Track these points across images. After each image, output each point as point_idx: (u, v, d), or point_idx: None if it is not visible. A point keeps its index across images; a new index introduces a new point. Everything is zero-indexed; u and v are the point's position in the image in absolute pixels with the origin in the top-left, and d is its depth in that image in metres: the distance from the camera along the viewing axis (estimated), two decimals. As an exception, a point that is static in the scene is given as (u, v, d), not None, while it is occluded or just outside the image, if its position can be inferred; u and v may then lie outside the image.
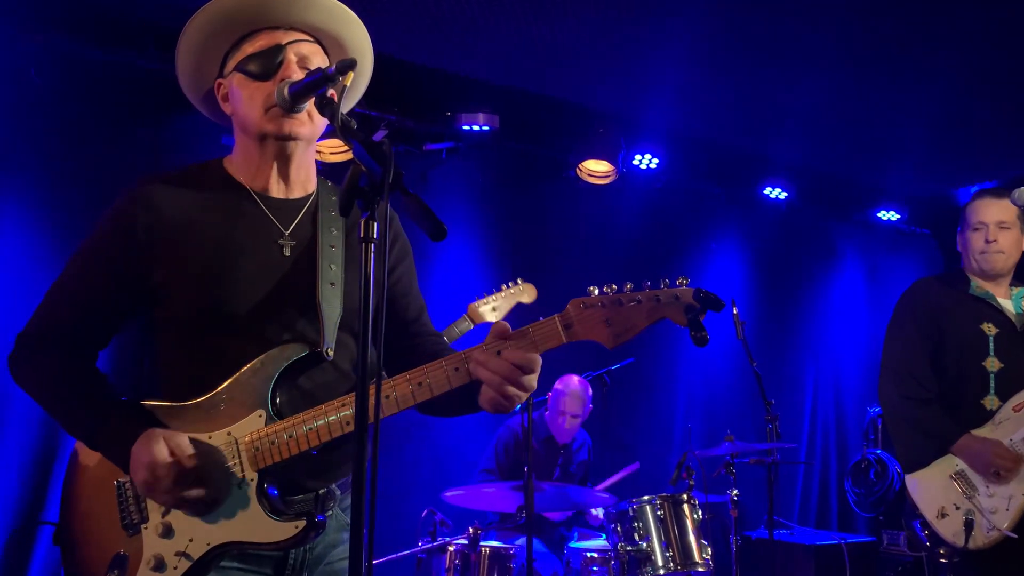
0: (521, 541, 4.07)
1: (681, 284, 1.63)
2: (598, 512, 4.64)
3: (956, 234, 3.38)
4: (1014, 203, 2.99)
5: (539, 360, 1.64)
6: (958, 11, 4.31)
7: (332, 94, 1.61)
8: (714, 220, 6.66)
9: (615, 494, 4.62)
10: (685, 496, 4.02)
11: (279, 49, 1.77)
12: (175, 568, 1.71)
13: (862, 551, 5.47)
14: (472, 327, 3.49)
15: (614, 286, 1.65)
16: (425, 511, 4.14)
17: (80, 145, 4.45)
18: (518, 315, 3.48)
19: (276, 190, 1.85)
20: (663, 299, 1.62)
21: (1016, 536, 2.98)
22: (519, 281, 3.58)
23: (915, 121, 5.54)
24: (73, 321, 1.82)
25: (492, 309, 3.48)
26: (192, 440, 1.71)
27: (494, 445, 4.85)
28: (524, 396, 1.66)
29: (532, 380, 1.65)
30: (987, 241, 3.22)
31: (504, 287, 3.52)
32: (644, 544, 3.87)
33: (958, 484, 3.11)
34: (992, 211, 3.24)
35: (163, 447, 1.66)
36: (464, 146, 5.38)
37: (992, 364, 3.17)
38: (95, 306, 1.82)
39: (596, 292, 1.64)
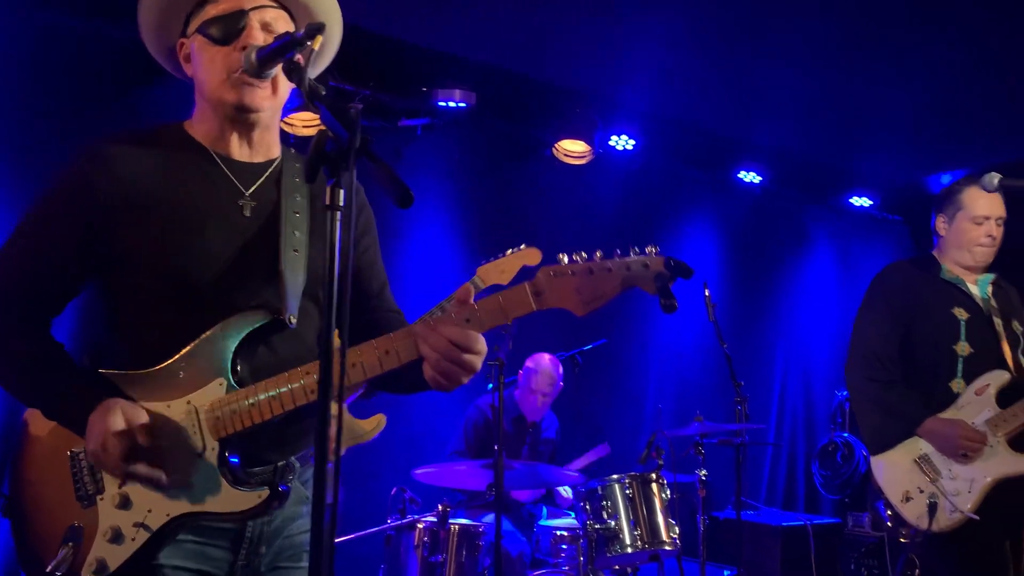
0: (490, 519, 4.08)
1: (651, 252, 1.62)
2: (567, 493, 4.66)
3: (934, 219, 3.39)
4: (985, 189, 3.02)
5: (480, 339, 1.61)
6: (937, 1, 4.32)
7: (300, 59, 1.56)
8: (689, 203, 6.67)
9: (571, 450, 4.64)
10: (654, 475, 4.04)
11: (242, 14, 1.72)
12: (132, 540, 1.67)
13: (827, 532, 5.55)
14: (482, 288, 3.51)
15: (584, 254, 1.64)
16: (395, 489, 4.14)
17: (52, 116, 4.34)
18: (522, 277, 3.50)
19: (238, 153, 1.80)
20: (633, 267, 1.61)
21: (978, 518, 3.03)
22: (523, 246, 3.61)
23: (889, 108, 5.58)
24: (25, 286, 1.75)
25: (500, 271, 3.51)
26: (151, 414, 1.67)
27: (463, 426, 4.85)
28: (463, 376, 1.62)
29: (474, 360, 1.61)
30: (990, 236, 3.25)
31: (509, 251, 3.56)
32: (612, 522, 3.89)
33: (922, 468, 3.15)
34: (996, 206, 3.26)
35: (119, 418, 1.61)
36: (440, 123, 5.32)
37: (963, 348, 3.21)
38: (49, 271, 1.75)
39: (566, 260, 1.63)
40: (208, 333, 1.70)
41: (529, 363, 4.91)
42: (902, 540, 3.21)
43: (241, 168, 1.80)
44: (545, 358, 4.89)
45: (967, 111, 5.60)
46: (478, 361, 1.62)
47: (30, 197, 4.19)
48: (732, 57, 5.04)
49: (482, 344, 1.62)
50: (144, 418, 1.65)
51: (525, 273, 3.55)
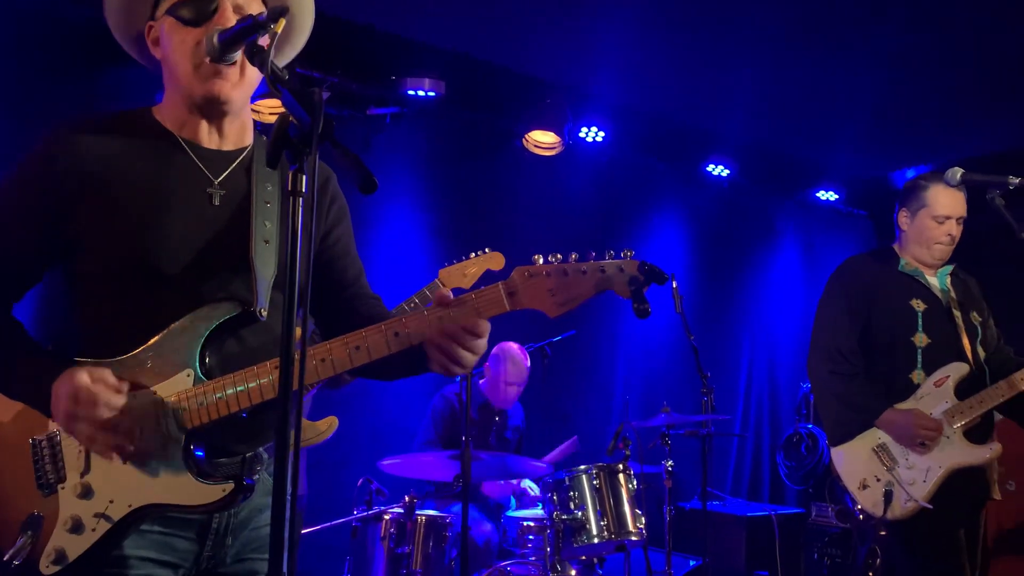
0: (457, 509, 4.08)
1: (626, 256, 1.63)
2: (534, 491, 4.67)
3: (897, 211, 3.43)
4: (948, 184, 3.07)
5: (487, 324, 1.64)
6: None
7: (264, 42, 1.54)
8: (658, 194, 6.71)
9: (540, 442, 4.64)
10: (621, 466, 4.07)
11: None
12: (93, 530, 1.64)
13: (791, 522, 5.62)
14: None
15: (559, 255, 1.64)
16: (361, 480, 4.11)
17: (9, 98, 4.24)
18: (485, 281, 3.50)
19: (208, 141, 1.78)
20: (607, 270, 1.62)
21: (932, 507, 3.08)
22: (487, 250, 3.61)
23: (855, 103, 5.65)
24: None
25: (463, 275, 3.51)
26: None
27: (430, 415, 4.83)
28: (473, 359, 1.65)
29: (480, 344, 1.65)
30: (949, 235, 3.30)
31: (473, 254, 3.56)
32: (579, 513, 3.90)
33: (880, 457, 3.21)
34: (959, 205, 3.30)
35: (85, 375, 1.57)
36: (409, 112, 5.29)
37: (920, 339, 3.26)
38: (10, 255, 1.72)
39: (541, 261, 1.64)
40: (177, 323, 1.67)
41: (497, 351, 4.89)
42: (881, 533, 3.27)
43: (210, 156, 1.77)
44: (513, 347, 4.88)
45: (932, 106, 5.69)
46: (483, 345, 1.67)
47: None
48: (699, 50, 5.07)
49: (486, 328, 1.65)
50: (110, 375, 1.60)
51: (488, 277, 3.55)
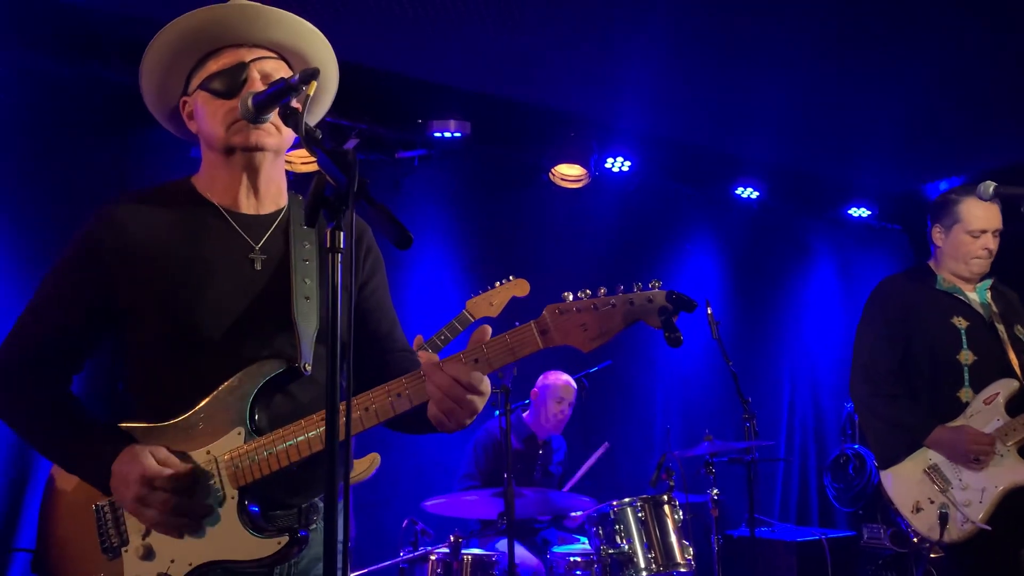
0: (503, 546, 4.06)
1: (654, 287, 1.63)
2: (576, 513, 4.64)
3: (930, 227, 3.39)
4: (980, 198, 3.04)
5: (485, 380, 1.64)
6: (925, 9, 4.36)
7: (296, 104, 1.59)
8: (687, 220, 6.69)
9: (591, 482, 4.60)
10: (665, 497, 4.03)
11: (243, 67, 1.77)
12: None
13: (843, 546, 5.50)
14: (472, 321, 3.54)
15: (588, 291, 1.66)
16: (406, 521, 4.13)
17: (46, 161, 4.38)
18: (512, 308, 3.54)
19: (246, 206, 1.84)
20: (636, 302, 1.63)
21: (990, 528, 3.01)
22: (511, 277, 3.65)
23: (884, 118, 5.61)
24: (45, 347, 1.81)
25: (490, 304, 3.54)
26: (174, 452, 1.70)
27: (472, 449, 4.84)
28: (465, 417, 1.63)
29: (476, 401, 1.63)
30: (986, 249, 3.25)
31: (498, 283, 3.59)
32: (626, 546, 3.87)
33: (932, 478, 3.14)
34: (994, 217, 3.26)
35: (151, 459, 1.65)
36: (436, 153, 5.37)
37: (966, 357, 3.21)
38: (67, 332, 1.80)
39: (571, 297, 1.65)
40: (226, 384, 1.73)
41: (545, 379, 4.94)
42: (933, 556, 3.19)
43: (250, 221, 1.83)
44: (558, 372, 4.95)
45: (961, 117, 5.63)
46: (480, 402, 1.64)
47: (25, 241, 4.23)
48: (723, 74, 5.08)
49: (486, 385, 1.64)
50: (174, 458, 1.68)
51: (515, 303, 3.58)
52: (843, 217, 7.06)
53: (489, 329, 1.67)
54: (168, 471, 1.65)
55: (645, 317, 1.62)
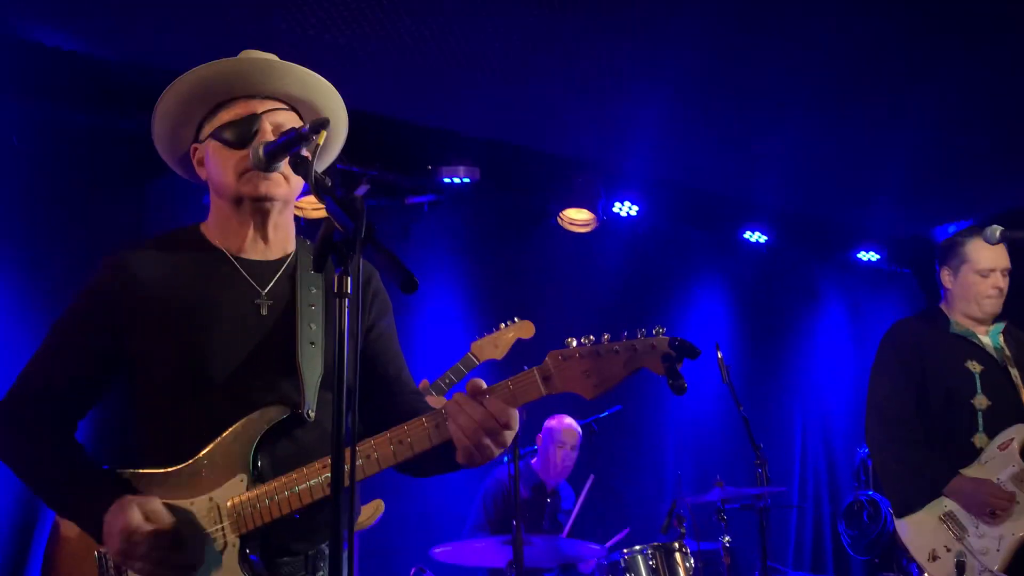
0: (512, 596, 3.99)
1: (657, 333, 1.63)
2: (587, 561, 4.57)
3: (939, 270, 3.39)
4: (987, 242, 3.04)
5: (516, 415, 1.63)
6: (932, 53, 4.41)
7: (306, 154, 1.62)
8: (696, 265, 6.69)
9: (601, 529, 4.53)
10: (677, 544, 3.97)
11: (255, 118, 1.80)
12: None
13: (859, 595, 5.39)
14: (477, 364, 3.52)
15: (592, 337, 1.65)
16: (414, 569, 4.07)
17: (63, 209, 4.44)
18: (517, 350, 3.52)
19: (253, 252, 1.86)
20: (640, 348, 1.62)
21: (1008, 577, 2.96)
22: (516, 319, 3.63)
23: (892, 162, 5.63)
24: (51, 392, 1.82)
25: (495, 346, 3.52)
26: (168, 505, 1.69)
27: (482, 498, 4.79)
28: (497, 450, 1.63)
29: (508, 436, 1.63)
30: (997, 288, 3.24)
31: (503, 324, 3.58)
32: (637, 595, 3.80)
33: (948, 526, 3.09)
34: (1001, 256, 3.26)
35: (137, 513, 1.64)
36: (446, 198, 5.42)
37: (980, 402, 3.18)
38: (73, 378, 1.82)
39: (574, 343, 1.64)
40: (229, 430, 1.73)
41: (550, 423, 4.91)
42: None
43: (257, 267, 1.85)
44: (564, 416, 4.91)
45: (968, 161, 5.64)
46: (511, 436, 1.63)
47: (39, 289, 4.26)
48: (730, 118, 5.13)
49: (516, 420, 1.63)
50: (162, 511, 1.66)
51: (520, 346, 3.56)
52: (852, 260, 7.06)
53: (482, 382, 1.64)
54: (148, 527, 1.62)
55: (649, 364, 1.62)
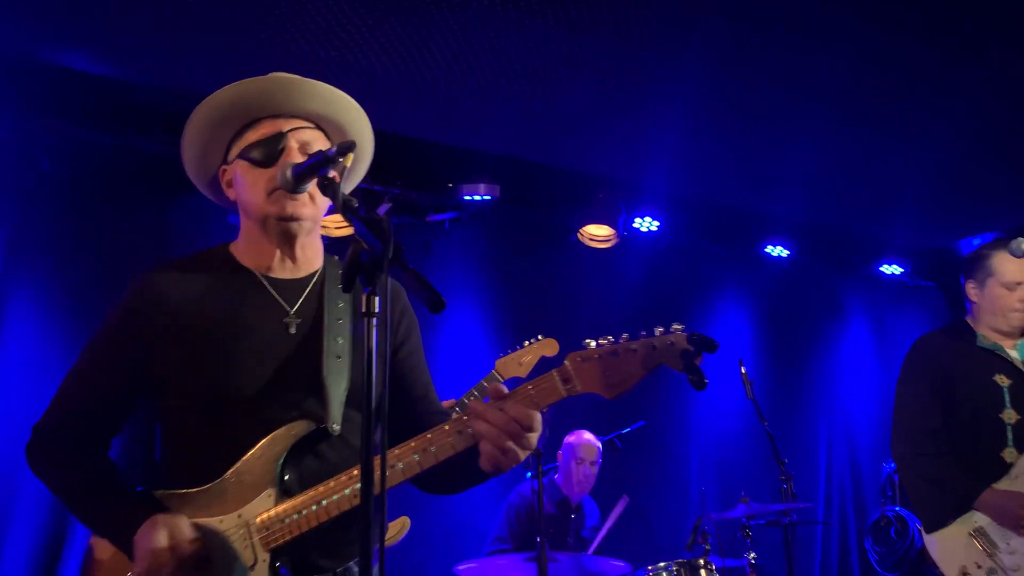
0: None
1: (675, 329, 1.63)
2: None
3: (964, 284, 3.36)
4: (1013, 255, 3.01)
5: (539, 418, 1.63)
6: (954, 66, 4.39)
7: (334, 175, 1.65)
8: (717, 280, 6.67)
9: (615, 539, 4.51)
10: (702, 561, 3.94)
11: (281, 136, 1.82)
12: None
13: (887, 613, 5.32)
14: (502, 382, 3.52)
15: (610, 337, 1.65)
16: (438, 585, 4.07)
17: (91, 229, 4.53)
18: (541, 368, 3.53)
19: (282, 271, 1.88)
20: (658, 345, 1.62)
21: (1041, 593, 2.91)
22: (540, 337, 3.64)
23: (914, 174, 5.60)
24: (85, 412, 1.85)
25: (519, 364, 3.53)
26: (197, 524, 1.71)
27: (505, 511, 4.78)
28: (523, 454, 1.63)
29: (532, 439, 1.63)
30: (1023, 301, 3.21)
31: (527, 342, 3.58)
32: (662, 613, 3.77)
33: (978, 542, 3.04)
34: None
35: (163, 533, 1.66)
36: (467, 215, 5.47)
37: (1009, 416, 3.14)
38: (106, 397, 1.85)
39: (593, 344, 1.65)
40: (256, 447, 1.75)
41: (570, 439, 4.92)
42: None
43: (286, 286, 1.87)
44: (584, 432, 4.92)
45: (992, 172, 5.60)
46: (534, 439, 1.63)
47: (70, 308, 4.33)
48: (751, 134, 5.12)
49: (539, 423, 1.63)
50: (188, 532, 1.68)
51: (544, 363, 3.57)
52: (876, 274, 7.01)
53: (503, 387, 1.66)
54: (174, 546, 1.64)
55: (667, 360, 1.61)
